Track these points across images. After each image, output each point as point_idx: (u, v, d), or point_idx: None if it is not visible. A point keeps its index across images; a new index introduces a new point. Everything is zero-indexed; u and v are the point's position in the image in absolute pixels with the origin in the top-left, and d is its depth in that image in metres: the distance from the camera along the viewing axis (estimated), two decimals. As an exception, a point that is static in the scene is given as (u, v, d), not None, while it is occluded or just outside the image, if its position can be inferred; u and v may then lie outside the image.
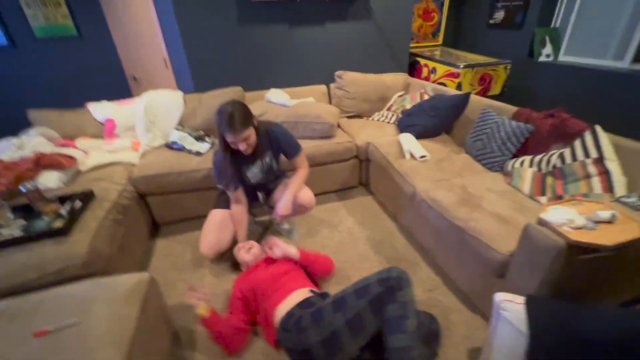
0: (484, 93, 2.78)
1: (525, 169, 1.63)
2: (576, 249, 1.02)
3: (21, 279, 1.23)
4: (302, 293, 1.30)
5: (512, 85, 2.93)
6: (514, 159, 1.75)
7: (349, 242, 1.90)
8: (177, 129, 2.20)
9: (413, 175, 1.80)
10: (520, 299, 1.07)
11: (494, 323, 1.09)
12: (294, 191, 1.69)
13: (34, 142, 1.91)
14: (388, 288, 1.07)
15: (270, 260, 1.52)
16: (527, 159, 1.68)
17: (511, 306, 1.06)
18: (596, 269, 1.10)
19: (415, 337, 1.06)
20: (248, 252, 1.59)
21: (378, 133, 2.35)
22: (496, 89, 2.84)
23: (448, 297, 1.54)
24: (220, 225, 1.67)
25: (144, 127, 2.20)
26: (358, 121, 2.62)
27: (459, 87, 2.69)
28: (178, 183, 1.96)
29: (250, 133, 1.46)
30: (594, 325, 1.00)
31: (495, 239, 1.26)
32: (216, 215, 1.70)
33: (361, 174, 2.44)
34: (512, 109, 1.93)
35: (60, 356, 0.91)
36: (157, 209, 2.04)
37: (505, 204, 1.46)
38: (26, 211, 1.46)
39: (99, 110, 2.23)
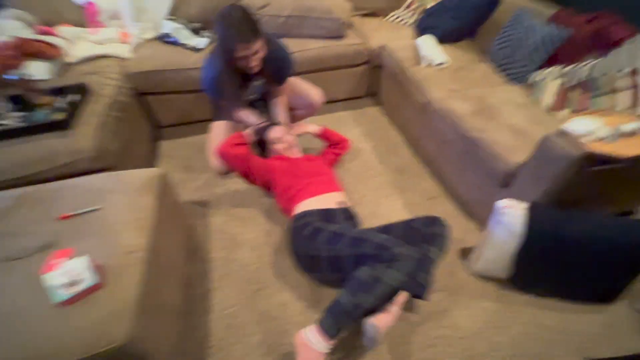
0: (518, -8, 2.42)
1: (548, 82, 1.52)
2: (589, 160, 1.02)
3: (33, 170, 1.24)
4: (331, 198, 1.31)
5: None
6: (539, 70, 1.62)
7: (354, 152, 1.90)
8: (170, 19, 1.95)
9: (428, 83, 1.69)
10: (521, 206, 1.12)
11: (492, 226, 1.17)
12: (284, 112, 1.62)
13: (9, 26, 1.69)
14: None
15: (303, 159, 1.52)
16: (554, 70, 1.56)
17: (511, 211, 1.11)
18: (604, 181, 1.12)
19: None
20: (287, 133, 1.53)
21: (394, 36, 2.12)
22: (533, -12, 2.47)
23: (447, 205, 1.62)
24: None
25: (132, 15, 1.94)
26: (372, 21, 2.33)
27: (491, -18, 2.32)
28: (176, 82, 1.83)
29: (262, 45, 1.25)
30: (584, 228, 1.08)
31: (507, 149, 1.26)
32: (220, 128, 1.61)
33: (371, 83, 2.30)
34: (550, 10, 1.71)
35: (87, 236, 0.97)
36: (157, 109, 1.96)
37: (522, 116, 1.42)
38: (19, 102, 1.39)
39: (76, -10, 1.92)
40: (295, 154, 1.54)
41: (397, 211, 1.58)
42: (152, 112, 1.97)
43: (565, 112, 1.43)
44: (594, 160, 1.02)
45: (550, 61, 1.62)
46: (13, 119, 1.31)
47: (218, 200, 1.63)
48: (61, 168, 1.27)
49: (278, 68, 1.48)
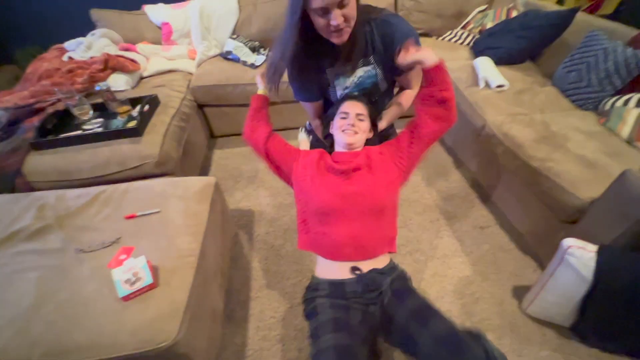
0: (591, 12, 2.25)
1: (630, 109, 1.37)
2: (681, 203, 0.89)
3: (108, 171, 1.39)
4: (371, 263, 0.91)
5: (632, 3, 2.32)
6: (616, 96, 1.47)
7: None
8: (232, 38, 2.10)
9: (485, 106, 1.60)
10: (592, 247, 1.01)
11: (554, 265, 1.06)
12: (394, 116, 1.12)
13: (100, 43, 1.95)
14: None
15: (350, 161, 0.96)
16: (635, 97, 1.40)
17: (580, 252, 1.00)
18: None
19: None
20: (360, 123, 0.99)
21: (449, 56, 2.06)
22: (609, 8, 2.28)
23: (500, 235, 1.50)
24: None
25: (200, 35, 2.13)
26: (425, 40, 2.30)
27: (560, 1, 2.19)
28: (234, 95, 1.95)
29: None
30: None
31: (576, 183, 1.14)
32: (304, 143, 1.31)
33: (421, 102, 2.25)
34: (630, 32, 1.55)
35: (147, 236, 1.05)
36: (214, 120, 2.10)
37: (594, 146, 1.28)
38: (101, 110, 1.57)
39: (155, 12, 2.16)
40: (355, 142, 0.98)
41: (443, 239, 1.50)
42: (209, 122, 2.11)
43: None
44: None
45: (630, 87, 1.46)
46: (95, 125, 1.49)
47: (262, 210, 1.68)
48: (130, 171, 1.40)
49: (392, 47, 0.94)
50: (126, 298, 0.88)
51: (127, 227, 1.10)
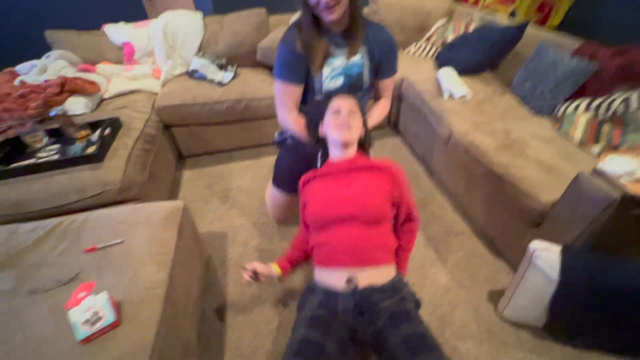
0: (542, 23, 2.42)
1: (580, 114, 1.47)
2: (630, 203, 0.95)
3: (65, 201, 1.30)
4: (370, 275, 0.88)
5: (575, 16, 2.52)
6: (567, 102, 1.57)
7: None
8: (198, 57, 2.07)
9: (450, 116, 1.67)
10: (556, 248, 1.05)
11: (524, 268, 1.09)
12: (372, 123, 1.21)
13: (56, 66, 1.85)
14: None
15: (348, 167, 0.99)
16: (583, 102, 1.50)
17: (545, 254, 1.04)
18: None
19: None
20: None
21: (414, 68, 2.14)
22: (555, 20, 2.46)
23: (473, 241, 1.54)
24: (284, 207, 1.42)
25: (164, 53, 2.08)
26: (391, 54, 2.38)
27: (512, 14, 2.34)
28: (202, 115, 1.91)
29: None
30: (621, 277, 0.99)
31: (537, 187, 1.20)
32: (277, 199, 1.44)
33: (390, 113, 2.31)
34: (574, 43, 1.68)
35: (110, 270, 0.99)
36: (182, 140, 2.04)
37: (551, 151, 1.36)
38: (57, 136, 1.48)
39: (116, 32, 2.10)
40: (351, 140, 0.98)
41: (420, 249, 1.52)
42: (176, 143, 2.05)
43: (597, 147, 1.36)
44: (633, 202, 0.95)
45: (578, 93, 1.57)
46: (51, 152, 1.40)
47: (236, 231, 1.63)
48: (90, 199, 1.32)
49: (385, 48, 1.13)
50: (86, 340, 0.81)
51: (87, 261, 1.02)
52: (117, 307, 0.88)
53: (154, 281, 0.96)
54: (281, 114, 1.20)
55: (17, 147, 1.41)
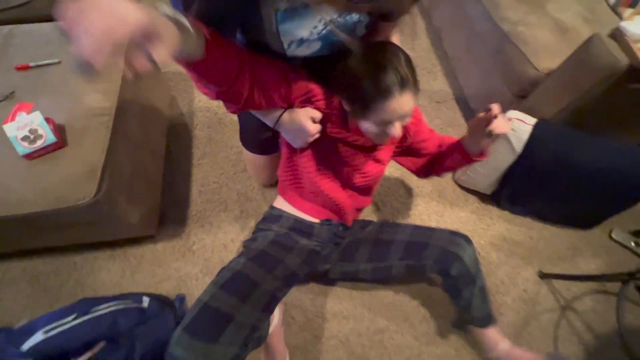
0: None
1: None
2: (634, 75, 0.84)
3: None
4: (333, 203, 0.86)
5: None
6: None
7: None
8: None
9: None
10: (530, 120, 0.99)
11: (492, 138, 1.07)
12: None
13: None
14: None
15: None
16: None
17: (518, 125, 0.99)
18: (637, 102, 0.96)
19: None
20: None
21: None
22: None
23: (453, 111, 1.47)
24: (261, 169, 1.13)
25: None
26: None
27: None
28: None
29: None
30: (584, 155, 0.98)
31: (540, 52, 1.04)
32: (251, 161, 1.12)
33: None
34: None
35: (48, 92, 0.90)
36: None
37: (576, 10, 1.13)
38: None
39: None
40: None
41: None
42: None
43: (631, 11, 1.12)
44: (636, 75, 0.84)
45: None
46: None
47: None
48: (15, 10, 1.10)
49: None
50: (29, 157, 0.80)
51: (20, 80, 0.91)
52: (60, 129, 0.84)
53: (100, 108, 0.89)
54: None
55: None
